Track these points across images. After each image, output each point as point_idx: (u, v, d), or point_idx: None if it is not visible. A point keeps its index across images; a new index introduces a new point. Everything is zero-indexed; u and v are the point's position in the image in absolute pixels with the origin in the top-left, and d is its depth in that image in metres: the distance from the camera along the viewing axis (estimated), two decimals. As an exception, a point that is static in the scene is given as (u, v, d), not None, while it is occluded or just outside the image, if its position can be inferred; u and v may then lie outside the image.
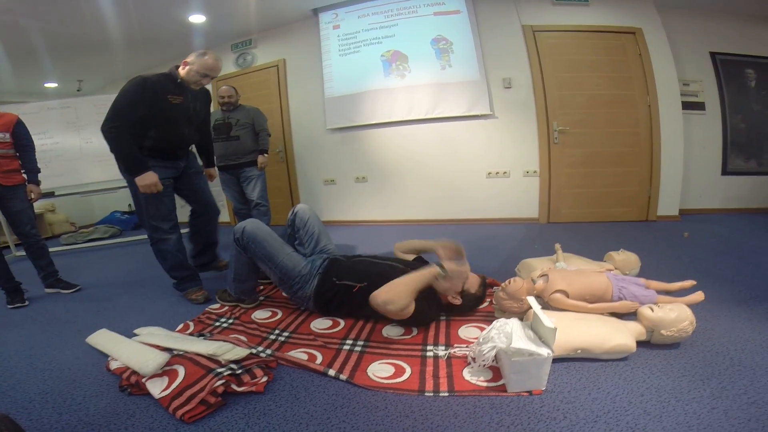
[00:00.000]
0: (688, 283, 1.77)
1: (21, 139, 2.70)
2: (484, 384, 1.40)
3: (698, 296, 1.68)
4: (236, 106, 3.69)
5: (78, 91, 6.22)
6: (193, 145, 2.72)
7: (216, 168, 2.99)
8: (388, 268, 1.99)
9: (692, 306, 1.60)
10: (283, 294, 2.26)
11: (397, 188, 4.72)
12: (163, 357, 1.52)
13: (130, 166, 2.20)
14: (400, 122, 4.51)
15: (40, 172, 2.82)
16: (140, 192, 2.24)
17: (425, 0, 4.28)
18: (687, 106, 4.09)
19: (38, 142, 4.35)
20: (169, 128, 2.33)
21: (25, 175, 2.77)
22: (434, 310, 1.89)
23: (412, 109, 4.41)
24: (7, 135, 2.62)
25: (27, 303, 2.69)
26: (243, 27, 4.81)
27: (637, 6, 3.98)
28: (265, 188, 3.85)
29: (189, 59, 2.28)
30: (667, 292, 1.76)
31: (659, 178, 4.05)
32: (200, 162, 2.86)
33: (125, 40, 4.65)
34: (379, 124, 4.59)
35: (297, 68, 4.92)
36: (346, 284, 1.95)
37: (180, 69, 2.31)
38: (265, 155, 3.76)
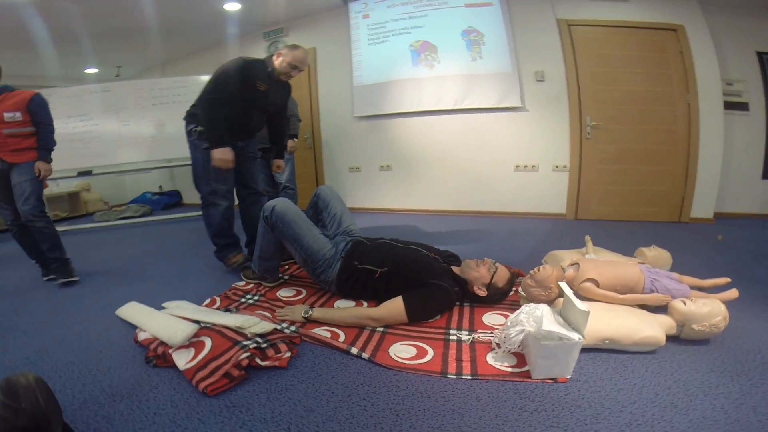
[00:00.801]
0: (722, 280, 1.72)
1: (35, 116, 2.56)
2: (508, 369, 1.39)
3: (732, 293, 1.63)
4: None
5: (116, 76, 6.42)
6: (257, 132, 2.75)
7: (283, 160, 3.06)
8: (410, 252, 2.00)
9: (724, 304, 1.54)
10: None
11: (422, 178, 4.70)
12: (192, 328, 1.54)
13: (213, 137, 2.34)
14: (428, 112, 4.48)
15: (52, 150, 2.68)
16: (211, 164, 2.36)
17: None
18: (729, 105, 3.90)
19: (79, 123, 4.61)
20: (244, 111, 2.44)
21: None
22: (436, 306, 1.84)
23: (441, 99, 4.38)
24: (18, 114, 2.50)
25: None
26: (275, 16, 4.86)
27: (679, 3, 3.82)
28: (293, 172, 3.91)
29: (282, 51, 2.43)
30: (700, 288, 1.71)
31: (695, 179, 3.90)
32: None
33: (163, 28, 4.77)
34: (406, 113, 4.58)
35: (326, 57, 4.96)
36: (367, 269, 1.95)
37: (274, 59, 2.44)
38: (295, 140, 3.81)
